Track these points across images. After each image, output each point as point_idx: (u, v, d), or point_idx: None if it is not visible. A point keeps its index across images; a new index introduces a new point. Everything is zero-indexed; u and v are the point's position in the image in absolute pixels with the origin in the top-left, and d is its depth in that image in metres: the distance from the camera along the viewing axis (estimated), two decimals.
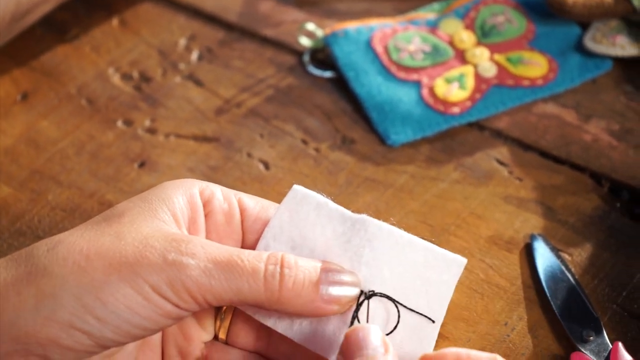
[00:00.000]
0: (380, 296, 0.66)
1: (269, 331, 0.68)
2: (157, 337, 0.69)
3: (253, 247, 0.69)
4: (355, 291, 0.66)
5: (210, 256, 0.63)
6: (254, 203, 0.70)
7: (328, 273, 0.65)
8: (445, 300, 0.67)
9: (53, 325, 0.61)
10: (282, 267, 0.64)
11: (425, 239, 0.67)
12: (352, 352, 0.61)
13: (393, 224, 0.67)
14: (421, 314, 0.66)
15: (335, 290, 0.65)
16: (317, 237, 0.68)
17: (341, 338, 0.65)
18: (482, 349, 0.74)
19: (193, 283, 0.62)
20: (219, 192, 0.69)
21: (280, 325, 0.67)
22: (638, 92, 0.91)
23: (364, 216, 0.68)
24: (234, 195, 0.70)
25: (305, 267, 0.65)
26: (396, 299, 0.66)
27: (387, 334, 0.66)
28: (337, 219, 0.68)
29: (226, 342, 0.70)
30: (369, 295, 0.66)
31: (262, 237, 0.68)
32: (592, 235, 0.81)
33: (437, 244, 0.79)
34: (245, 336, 0.70)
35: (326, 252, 0.67)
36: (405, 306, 0.66)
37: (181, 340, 0.69)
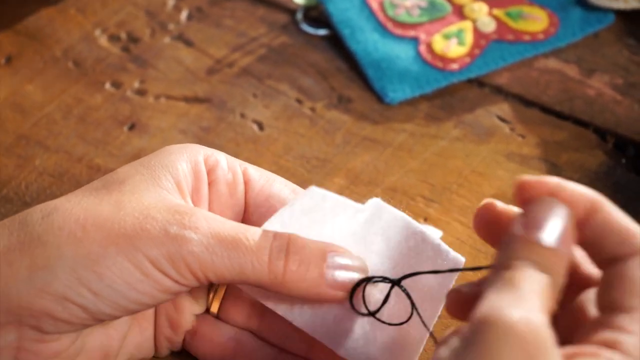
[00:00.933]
0: (385, 281, 0.63)
1: (263, 309, 0.65)
2: None
3: (254, 220, 0.66)
4: (363, 278, 0.63)
5: (214, 231, 0.60)
6: (259, 175, 0.67)
7: (335, 257, 0.62)
8: (441, 297, 0.63)
9: (47, 297, 0.59)
10: (288, 247, 0.61)
11: (424, 223, 0.65)
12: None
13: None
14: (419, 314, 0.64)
15: (342, 276, 0.62)
16: (327, 225, 0.64)
17: (342, 326, 0.63)
18: None
19: (194, 259, 0.59)
20: (223, 161, 0.66)
21: (281, 307, 0.64)
22: None
23: (378, 201, 0.64)
24: (239, 166, 0.67)
25: (312, 249, 0.62)
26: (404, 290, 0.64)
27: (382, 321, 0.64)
28: (351, 209, 0.64)
29: (217, 317, 0.68)
30: (375, 281, 0.63)
31: (269, 221, 0.63)
32: (597, 192, 0.78)
33: (438, 203, 0.78)
34: (237, 312, 0.68)
35: (335, 237, 0.64)
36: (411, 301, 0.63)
37: (172, 311, 0.67)
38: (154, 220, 0.60)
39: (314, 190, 0.63)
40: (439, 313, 0.64)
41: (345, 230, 0.64)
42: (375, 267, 0.64)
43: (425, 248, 0.64)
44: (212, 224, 0.60)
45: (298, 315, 0.64)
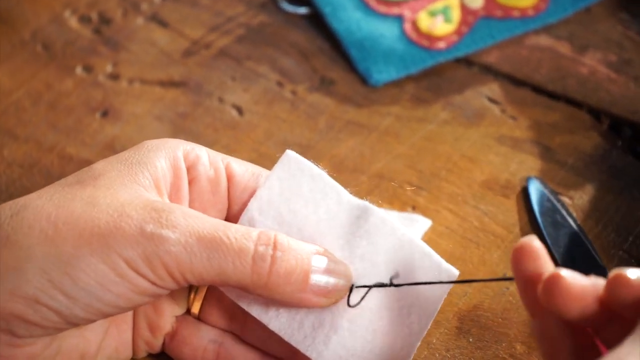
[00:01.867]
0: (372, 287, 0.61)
1: (245, 311, 0.62)
2: None
3: (238, 218, 0.63)
4: (347, 285, 0.60)
5: (193, 230, 0.57)
6: (243, 170, 0.64)
7: (322, 261, 0.59)
8: (432, 312, 0.61)
9: (18, 300, 0.56)
10: (274, 249, 0.58)
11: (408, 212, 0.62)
12: None
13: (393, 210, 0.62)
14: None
15: (326, 281, 0.59)
16: (308, 215, 0.62)
17: (320, 333, 0.60)
18: (480, 303, 0.69)
19: (172, 259, 0.57)
20: (205, 156, 0.63)
21: (255, 308, 0.61)
22: (635, 19, 0.87)
23: (366, 204, 0.62)
24: (222, 160, 0.64)
25: (298, 252, 0.59)
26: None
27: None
28: (332, 197, 0.62)
29: (198, 318, 0.65)
30: (361, 286, 0.61)
31: (247, 208, 0.62)
32: (593, 177, 0.77)
33: (427, 191, 0.75)
34: (219, 314, 0.65)
35: (316, 234, 0.61)
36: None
37: (151, 313, 0.64)
38: (130, 218, 0.57)
39: (290, 157, 0.62)
40: (428, 327, 0.61)
41: (328, 224, 0.61)
42: (360, 272, 0.61)
43: (417, 258, 0.61)
44: (191, 222, 0.57)
45: (274, 318, 0.61)
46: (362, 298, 0.60)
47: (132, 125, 0.81)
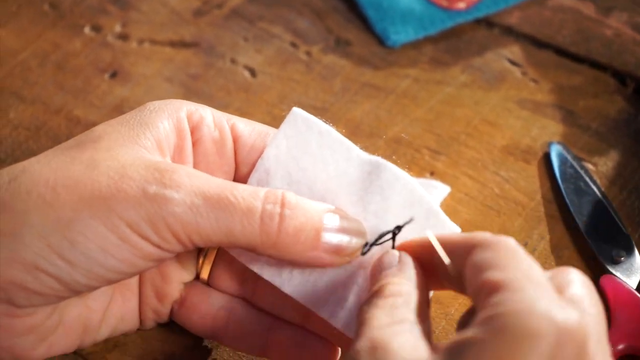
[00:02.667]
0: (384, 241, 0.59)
1: (257, 275, 0.61)
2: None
3: (247, 180, 0.61)
4: (360, 242, 0.58)
5: (198, 190, 0.55)
6: (249, 130, 0.62)
7: (332, 218, 0.58)
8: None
9: (16, 267, 0.54)
10: (282, 207, 0.56)
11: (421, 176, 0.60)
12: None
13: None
14: None
15: (339, 240, 0.57)
16: (317, 172, 0.60)
17: (334, 294, 0.59)
18: None
19: (177, 221, 0.55)
20: (209, 117, 0.61)
21: (267, 271, 0.60)
22: None
23: (378, 159, 0.60)
24: (227, 121, 0.62)
25: (308, 210, 0.57)
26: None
27: None
28: (342, 154, 0.60)
29: (208, 284, 0.64)
30: (371, 244, 0.59)
31: (254, 169, 0.61)
32: (617, 142, 0.75)
33: (445, 155, 0.73)
34: (229, 279, 0.63)
35: (326, 191, 0.60)
36: None
37: (158, 280, 0.63)
38: (131, 180, 0.55)
39: (297, 114, 0.60)
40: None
41: (339, 181, 0.60)
42: (373, 229, 0.59)
43: (423, 216, 0.60)
44: (196, 182, 0.56)
45: (287, 281, 0.59)
46: (369, 248, 0.59)
47: (142, 86, 0.80)
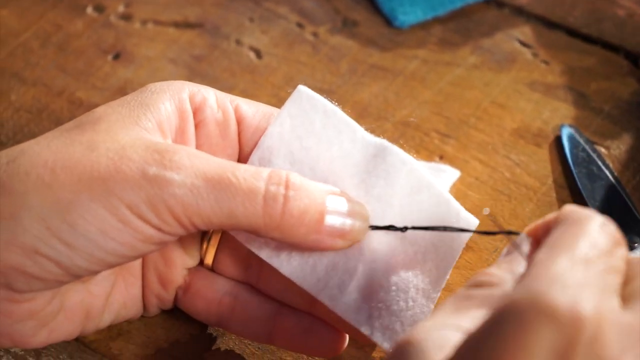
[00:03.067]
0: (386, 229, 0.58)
1: (262, 260, 0.60)
2: (138, 259, 0.61)
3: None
4: (364, 226, 0.57)
5: (199, 171, 0.54)
6: (253, 111, 0.61)
7: (337, 201, 0.57)
8: (450, 261, 0.59)
9: (15, 251, 0.53)
10: (286, 188, 0.55)
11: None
12: None
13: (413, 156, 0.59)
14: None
15: (342, 223, 0.56)
16: (321, 153, 0.59)
17: (334, 277, 0.58)
18: None
19: (177, 203, 0.54)
20: (212, 98, 0.60)
21: (266, 251, 0.59)
22: None
23: (383, 142, 0.59)
24: (230, 102, 0.61)
25: (312, 191, 0.56)
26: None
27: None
28: (347, 135, 0.59)
29: (212, 269, 0.63)
30: (379, 228, 0.58)
31: (257, 146, 0.60)
32: (630, 125, 0.74)
33: (455, 139, 0.72)
34: (234, 264, 0.62)
35: (329, 172, 0.59)
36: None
37: (161, 265, 0.62)
38: (131, 161, 0.54)
39: (302, 92, 0.59)
40: (448, 276, 0.59)
41: (342, 162, 0.59)
42: (376, 213, 0.58)
43: (434, 203, 0.59)
44: (197, 163, 0.55)
45: (285, 262, 0.58)
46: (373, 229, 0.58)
47: (146, 68, 0.78)
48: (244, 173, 0.55)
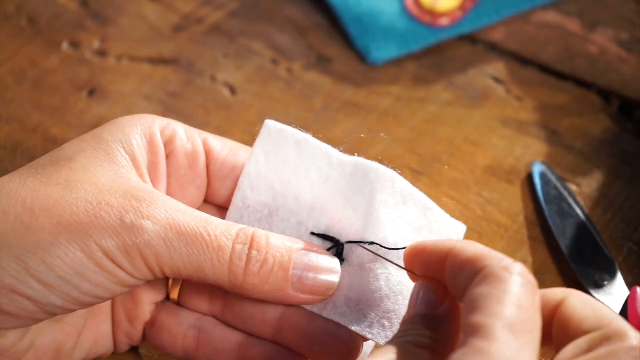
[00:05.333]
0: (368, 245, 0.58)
1: (225, 293, 0.61)
2: None
3: (221, 194, 0.62)
4: (333, 279, 0.58)
5: (174, 223, 0.55)
6: (221, 145, 0.62)
7: (305, 257, 0.57)
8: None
9: None
10: (250, 248, 0.56)
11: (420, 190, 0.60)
12: None
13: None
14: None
15: (314, 279, 0.57)
16: (301, 182, 0.60)
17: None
18: None
19: (151, 252, 0.55)
20: (181, 131, 0.61)
21: None
22: None
23: (359, 160, 0.60)
24: (199, 135, 0.62)
25: (278, 249, 0.57)
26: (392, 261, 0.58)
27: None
28: (322, 159, 0.60)
29: (178, 303, 0.63)
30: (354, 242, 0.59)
31: (237, 187, 0.61)
32: (602, 162, 0.74)
33: (427, 176, 0.72)
34: (199, 297, 0.63)
35: (314, 199, 0.60)
36: (393, 262, 0.58)
37: (129, 303, 0.62)
38: (109, 207, 0.55)
39: (270, 126, 0.61)
40: None
41: (324, 187, 0.60)
42: (366, 231, 0.58)
43: (421, 213, 0.60)
44: (172, 214, 0.56)
45: None
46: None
47: (120, 105, 0.78)
48: (216, 230, 0.56)
